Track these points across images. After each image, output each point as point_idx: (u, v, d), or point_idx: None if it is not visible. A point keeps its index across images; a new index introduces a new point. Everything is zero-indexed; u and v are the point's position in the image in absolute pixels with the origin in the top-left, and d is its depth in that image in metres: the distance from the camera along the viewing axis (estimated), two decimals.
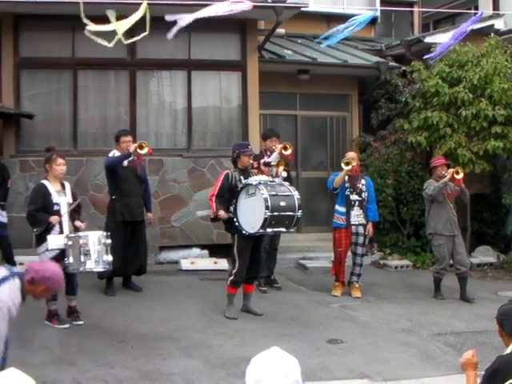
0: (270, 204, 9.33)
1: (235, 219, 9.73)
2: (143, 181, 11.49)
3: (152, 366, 7.85)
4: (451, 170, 11.53)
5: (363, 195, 11.69)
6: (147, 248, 11.72)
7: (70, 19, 13.19)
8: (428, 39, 15.58)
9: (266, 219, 9.35)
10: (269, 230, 9.63)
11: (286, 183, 10.32)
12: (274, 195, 9.49)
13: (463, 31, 9.90)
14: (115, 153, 11.15)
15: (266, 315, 10.12)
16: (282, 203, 9.55)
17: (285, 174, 11.31)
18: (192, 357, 8.24)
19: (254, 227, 9.54)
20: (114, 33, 8.18)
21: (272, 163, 10.29)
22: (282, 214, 9.54)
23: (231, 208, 9.83)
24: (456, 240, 11.73)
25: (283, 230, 9.93)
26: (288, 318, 10.15)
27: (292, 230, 10.10)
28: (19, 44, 13.56)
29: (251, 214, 9.57)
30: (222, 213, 9.77)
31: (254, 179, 9.78)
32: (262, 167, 10.33)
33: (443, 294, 11.78)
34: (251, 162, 10.28)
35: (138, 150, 10.74)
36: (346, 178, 11.56)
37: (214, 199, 9.86)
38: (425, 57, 11.33)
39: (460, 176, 11.45)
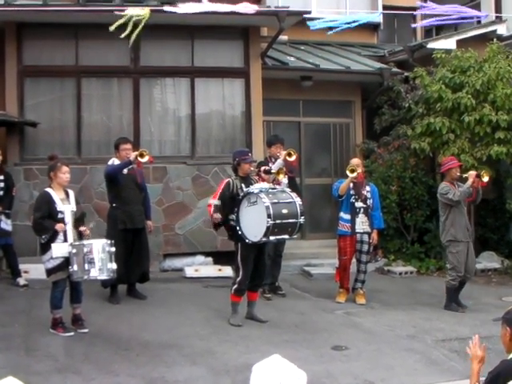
0: (271, 212, 9.32)
1: (238, 228, 9.72)
2: (143, 189, 11.49)
3: (157, 373, 7.85)
4: (473, 173, 11.29)
5: (368, 202, 11.66)
6: (149, 255, 11.73)
7: (73, 27, 13.30)
8: (430, 45, 15.63)
9: (268, 228, 9.34)
10: (272, 237, 9.61)
11: (288, 189, 10.31)
12: (275, 203, 9.47)
13: (458, 16, 9.79)
14: (115, 161, 11.14)
15: (270, 322, 10.12)
16: (284, 210, 9.53)
17: (286, 181, 11.29)
18: (196, 364, 8.24)
19: (256, 236, 9.52)
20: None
21: (272, 171, 10.26)
22: (285, 221, 9.53)
23: (233, 216, 9.84)
24: (469, 246, 11.51)
25: (286, 237, 9.94)
26: (292, 325, 10.14)
27: (295, 236, 10.11)
28: (22, 52, 13.59)
29: (254, 223, 9.56)
30: (217, 215, 9.77)
31: (255, 187, 9.75)
32: (263, 175, 10.30)
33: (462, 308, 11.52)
34: (252, 169, 10.28)
35: (139, 159, 10.72)
36: (351, 185, 11.50)
37: (212, 205, 9.87)
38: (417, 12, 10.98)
39: (486, 179, 11.25)
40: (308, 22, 10.38)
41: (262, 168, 10.46)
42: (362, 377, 7.98)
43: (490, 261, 15.09)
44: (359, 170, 11.47)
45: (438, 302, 11.64)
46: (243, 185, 9.93)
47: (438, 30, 24.14)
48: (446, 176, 11.62)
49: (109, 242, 9.16)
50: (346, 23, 9.49)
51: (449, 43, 15.59)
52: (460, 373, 8.11)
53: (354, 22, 9.47)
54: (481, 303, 11.93)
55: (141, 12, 7.25)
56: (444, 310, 11.31)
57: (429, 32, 23.17)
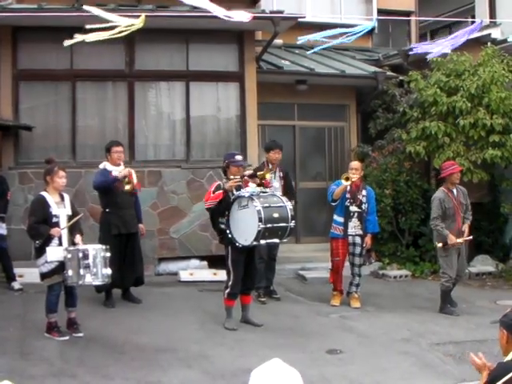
0: (263, 216, 9.33)
1: (228, 231, 9.73)
2: (133, 193, 11.48)
3: (152, 377, 7.85)
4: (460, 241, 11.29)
5: (363, 207, 11.63)
6: (143, 259, 11.72)
7: (68, 31, 13.17)
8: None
9: (259, 231, 9.36)
10: (262, 241, 9.62)
11: (278, 193, 10.31)
12: (266, 207, 9.47)
13: (462, 38, 9.78)
14: (106, 165, 11.11)
15: (265, 326, 10.12)
16: (275, 214, 9.54)
17: (277, 185, 11.24)
18: (192, 368, 8.24)
19: (247, 239, 9.53)
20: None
21: (258, 173, 10.17)
22: (275, 225, 9.54)
23: (223, 220, 9.85)
24: (461, 251, 11.46)
25: (276, 240, 10.02)
26: (287, 329, 10.15)
27: (285, 240, 10.11)
28: (17, 56, 13.59)
29: (244, 226, 9.57)
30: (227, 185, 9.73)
31: (246, 190, 9.75)
32: (247, 178, 10.17)
33: (453, 308, 11.54)
34: (246, 173, 10.22)
35: (126, 187, 10.82)
36: (348, 188, 11.51)
37: (208, 198, 9.83)
38: (413, 51, 10.94)
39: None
40: (300, 38, 10.41)
41: (246, 173, 10.35)
42: (357, 380, 8.00)
43: (484, 264, 15.09)
44: (355, 178, 11.42)
45: (433, 305, 11.64)
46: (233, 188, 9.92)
47: (433, 34, 24.23)
48: (446, 181, 11.50)
49: (104, 247, 9.17)
50: (340, 38, 9.46)
51: (442, 42, 15.58)
52: (455, 376, 8.13)
53: (352, 34, 9.42)
54: (475, 306, 11.94)
55: (136, 21, 7.22)
56: (439, 313, 11.31)
57: (424, 35, 23.24)
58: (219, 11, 7.95)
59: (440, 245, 11.24)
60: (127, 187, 10.82)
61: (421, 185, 15.16)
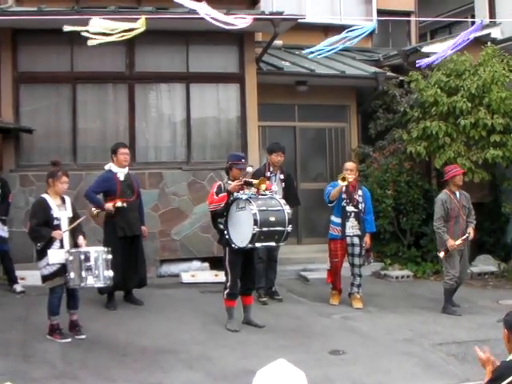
0: (258, 219, 9.30)
1: (226, 232, 9.74)
2: (138, 195, 11.48)
3: (154, 379, 7.85)
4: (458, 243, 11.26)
5: (360, 206, 11.66)
6: (145, 260, 11.71)
7: (67, 33, 13.25)
8: (425, 49, 15.61)
9: (254, 235, 9.33)
10: (258, 244, 9.59)
11: (277, 196, 10.28)
12: (263, 210, 9.43)
13: (464, 40, 9.79)
14: (111, 166, 11.12)
15: (267, 327, 10.11)
16: (272, 218, 9.50)
17: (276, 188, 11.24)
18: (194, 369, 8.24)
19: (243, 241, 9.52)
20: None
21: (253, 182, 10.13)
22: (272, 229, 9.50)
23: (222, 220, 9.85)
24: (464, 253, 11.48)
25: (273, 244, 9.95)
26: (289, 330, 10.14)
27: (282, 243, 10.09)
28: (18, 58, 13.59)
29: (241, 228, 9.57)
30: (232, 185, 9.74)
31: (244, 192, 9.75)
32: (244, 187, 10.10)
33: (455, 308, 11.53)
34: (246, 179, 10.17)
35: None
36: (343, 188, 11.51)
37: (213, 201, 9.83)
38: (418, 64, 11.03)
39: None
40: (305, 51, 10.45)
41: (243, 180, 10.28)
42: (359, 381, 8.00)
43: (486, 264, 15.08)
44: (351, 178, 11.43)
45: (435, 305, 11.64)
46: None
47: (433, 34, 24.23)
48: (449, 183, 11.55)
49: (105, 249, 9.17)
50: (343, 43, 9.46)
51: (443, 47, 15.56)
52: (457, 376, 8.12)
53: (354, 38, 9.41)
54: (477, 306, 11.93)
55: (136, 25, 7.21)
56: (441, 313, 11.30)
57: (423, 35, 23.24)
58: (220, 17, 7.93)
59: (442, 254, 11.26)
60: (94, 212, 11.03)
61: (422, 185, 15.14)
